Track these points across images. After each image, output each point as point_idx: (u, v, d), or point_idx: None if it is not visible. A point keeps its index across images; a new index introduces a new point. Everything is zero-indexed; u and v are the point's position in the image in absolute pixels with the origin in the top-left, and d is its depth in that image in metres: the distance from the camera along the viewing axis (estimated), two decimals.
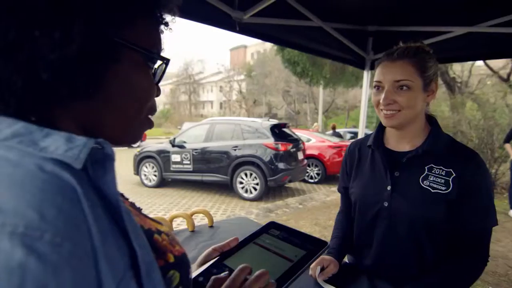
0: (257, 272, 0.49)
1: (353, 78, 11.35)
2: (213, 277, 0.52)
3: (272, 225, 0.70)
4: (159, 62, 0.43)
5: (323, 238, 0.63)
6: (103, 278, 0.26)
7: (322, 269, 1.01)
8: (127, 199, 0.47)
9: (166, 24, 0.44)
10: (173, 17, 0.44)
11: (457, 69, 12.28)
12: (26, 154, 0.28)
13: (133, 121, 0.40)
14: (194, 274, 0.58)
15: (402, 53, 0.94)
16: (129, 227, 0.32)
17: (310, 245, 0.60)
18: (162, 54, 0.43)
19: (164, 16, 0.43)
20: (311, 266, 1.01)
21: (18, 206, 0.24)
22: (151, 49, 0.39)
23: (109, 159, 0.33)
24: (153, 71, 0.42)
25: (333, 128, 10.86)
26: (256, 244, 0.64)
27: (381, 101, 0.95)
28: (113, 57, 0.35)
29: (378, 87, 0.98)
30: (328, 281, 1.00)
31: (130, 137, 0.42)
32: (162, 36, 0.43)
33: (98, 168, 0.32)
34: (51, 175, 0.27)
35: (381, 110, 0.97)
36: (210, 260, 0.63)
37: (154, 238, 0.42)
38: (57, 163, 0.28)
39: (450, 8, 2.02)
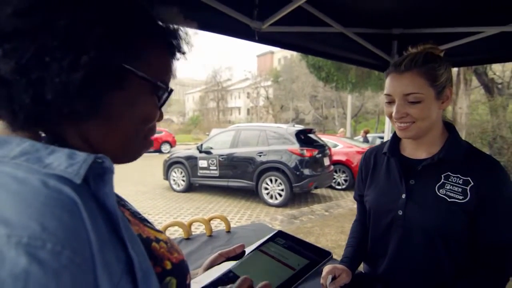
0: (260, 284, 0.51)
1: (381, 82, 11.02)
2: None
3: (279, 234, 0.71)
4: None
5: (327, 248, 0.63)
6: (100, 282, 0.29)
7: (334, 278, 1.00)
8: (128, 208, 0.49)
9: (182, 52, 0.45)
10: (188, 44, 0.45)
11: (498, 69, 11.51)
12: (32, 171, 0.31)
13: (132, 142, 0.43)
14: (200, 280, 0.60)
15: (409, 64, 0.90)
16: (126, 235, 0.35)
17: (314, 255, 0.61)
18: (172, 79, 0.45)
19: (180, 45, 0.45)
20: (323, 274, 1.00)
21: (23, 219, 0.26)
22: (158, 78, 0.42)
23: (108, 172, 0.36)
24: (158, 96, 0.44)
25: (366, 133, 10.55)
26: (261, 252, 0.66)
27: (393, 114, 0.93)
28: (118, 84, 0.38)
29: (389, 99, 0.96)
30: None
31: (128, 155, 0.44)
32: (172, 63, 0.45)
33: (98, 181, 0.35)
34: (53, 190, 0.30)
35: (395, 122, 0.95)
36: (215, 265, 0.66)
37: (152, 246, 0.44)
38: (59, 178, 0.31)
39: (481, 8, 1.93)
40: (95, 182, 0.34)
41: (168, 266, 0.44)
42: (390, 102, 0.95)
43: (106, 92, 0.37)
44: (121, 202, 0.48)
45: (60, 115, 0.35)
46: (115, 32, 0.35)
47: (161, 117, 0.46)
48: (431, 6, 1.99)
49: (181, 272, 0.47)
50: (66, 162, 0.32)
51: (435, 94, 0.90)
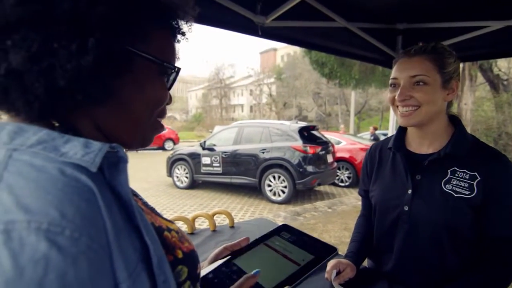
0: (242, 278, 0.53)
1: (384, 79, 10.93)
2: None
3: (284, 228, 0.71)
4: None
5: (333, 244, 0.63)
6: (117, 269, 0.30)
7: (338, 273, 1.00)
8: (140, 198, 0.50)
9: (183, 34, 0.46)
10: (189, 27, 0.46)
11: (503, 65, 11.37)
12: (49, 159, 0.32)
13: (143, 126, 0.43)
14: (204, 271, 0.60)
15: (419, 50, 0.91)
16: (140, 223, 0.36)
17: (319, 250, 0.61)
18: (177, 61, 0.45)
19: (181, 27, 0.45)
20: (327, 269, 1.00)
21: (42, 206, 0.27)
22: (165, 59, 0.42)
23: (123, 162, 0.36)
24: (166, 79, 0.44)
25: (375, 129, 10.50)
26: (266, 246, 0.66)
27: (396, 97, 0.92)
28: (127, 67, 0.38)
29: (394, 84, 0.95)
30: (344, 285, 0.98)
31: (141, 140, 0.44)
32: (177, 45, 0.46)
33: (112, 170, 0.35)
34: (70, 178, 0.31)
35: (397, 107, 0.94)
36: (220, 258, 0.65)
37: (164, 235, 0.45)
38: (76, 167, 0.32)
39: (486, 2, 1.90)
40: (110, 171, 0.35)
41: (180, 255, 0.45)
42: (395, 86, 0.94)
43: (117, 75, 0.37)
44: (133, 192, 0.48)
45: (74, 102, 0.35)
46: (117, 12, 0.35)
47: (170, 100, 0.47)
48: (436, 1, 1.96)
49: (192, 262, 0.48)
50: (82, 151, 0.33)
51: (441, 81, 0.89)
